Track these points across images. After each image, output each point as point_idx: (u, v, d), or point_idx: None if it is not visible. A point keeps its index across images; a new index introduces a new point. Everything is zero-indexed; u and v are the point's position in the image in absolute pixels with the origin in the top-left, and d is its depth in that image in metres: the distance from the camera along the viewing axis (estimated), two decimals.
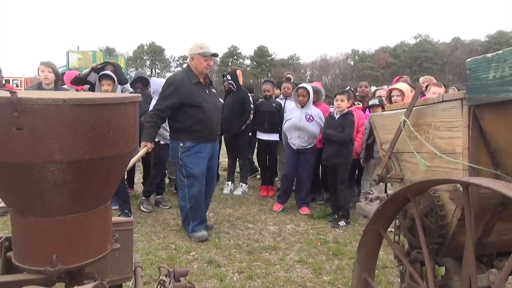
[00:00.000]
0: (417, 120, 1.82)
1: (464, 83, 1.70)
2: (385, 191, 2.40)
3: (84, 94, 1.58)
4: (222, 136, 6.15)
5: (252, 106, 5.77)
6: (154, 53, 70.70)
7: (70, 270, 1.34)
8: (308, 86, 5.07)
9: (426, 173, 1.77)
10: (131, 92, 5.12)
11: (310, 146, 5.02)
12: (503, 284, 1.31)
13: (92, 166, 1.25)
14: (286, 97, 5.92)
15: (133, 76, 6.72)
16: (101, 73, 4.74)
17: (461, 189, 1.45)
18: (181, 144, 3.91)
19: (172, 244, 3.90)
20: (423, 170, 1.77)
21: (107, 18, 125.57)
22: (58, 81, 4.63)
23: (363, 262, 1.98)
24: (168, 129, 4.24)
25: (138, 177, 6.19)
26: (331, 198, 5.13)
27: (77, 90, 5.57)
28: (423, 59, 65.76)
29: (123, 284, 1.94)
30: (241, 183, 6.06)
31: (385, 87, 6.03)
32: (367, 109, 5.22)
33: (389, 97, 4.53)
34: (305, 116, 4.92)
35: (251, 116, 5.72)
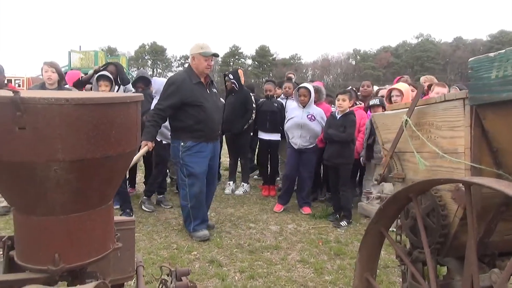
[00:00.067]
0: (419, 120, 1.82)
1: (466, 83, 1.70)
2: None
3: (86, 94, 1.58)
4: (224, 136, 6.16)
5: (254, 105, 5.77)
6: (156, 53, 70.75)
7: (72, 269, 1.34)
8: (309, 86, 5.07)
9: (428, 172, 1.77)
10: (133, 92, 5.14)
11: (311, 146, 5.02)
12: (505, 284, 1.31)
13: (95, 165, 1.25)
14: (287, 96, 5.92)
15: (134, 76, 6.74)
16: (99, 73, 4.77)
17: (463, 188, 1.45)
18: (182, 144, 3.92)
19: (173, 243, 3.90)
20: (425, 170, 1.77)
21: (109, 18, 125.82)
22: (62, 81, 4.65)
23: (364, 261, 1.98)
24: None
25: (140, 176, 6.19)
26: (332, 198, 5.13)
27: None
28: (425, 59, 65.63)
29: (125, 283, 1.95)
30: (242, 183, 6.06)
31: (387, 86, 6.02)
32: (369, 108, 5.22)
33: (389, 97, 4.53)
34: (307, 116, 4.92)
35: (253, 115, 5.72)
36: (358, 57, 73.14)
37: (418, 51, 67.52)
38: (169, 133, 4.29)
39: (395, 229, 2.03)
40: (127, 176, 5.42)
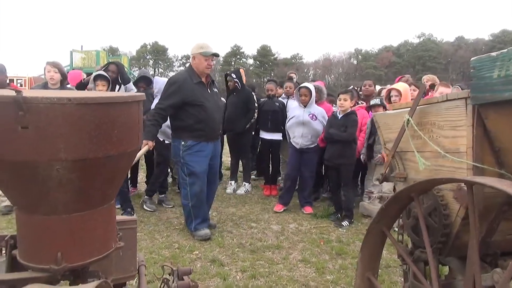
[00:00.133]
0: (421, 119, 1.82)
1: (468, 82, 1.70)
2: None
3: (88, 93, 1.59)
4: (225, 136, 6.16)
5: (256, 105, 5.78)
6: (157, 53, 70.81)
7: (74, 268, 1.35)
8: (310, 85, 5.06)
9: (430, 172, 1.77)
10: (134, 91, 5.14)
11: (313, 145, 5.01)
12: (507, 284, 1.31)
13: (97, 164, 1.25)
14: (288, 96, 5.92)
15: (136, 75, 6.74)
16: (96, 73, 4.79)
17: (465, 188, 1.45)
18: (183, 143, 3.94)
19: (175, 243, 3.91)
20: (427, 169, 1.77)
21: (110, 18, 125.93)
22: (64, 81, 4.66)
23: (366, 261, 1.98)
24: None
25: (142, 176, 6.20)
26: (333, 197, 5.12)
27: None
28: (427, 58, 65.52)
29: (127, 282, 1.95)
30: (244, 182, 6.07)
31: (389, 86, 6.01)
32: (370, 108, 5.22)
33: (388, 97, 4.53)
34: (308, 115, 4.91)
35: (255, 115, 5.73)
36: (360, 56, 73.05)
37: (420, 51, 67.39)
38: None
39: (397, 229, 2.03)
40: (129, 176, 5.43)
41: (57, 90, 4.38)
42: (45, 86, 4.63)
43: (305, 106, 4.96)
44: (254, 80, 56.03)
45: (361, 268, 1.99)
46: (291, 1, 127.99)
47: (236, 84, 5.70)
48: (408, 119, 1.83)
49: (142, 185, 5.94)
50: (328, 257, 3.70)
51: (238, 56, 72.14)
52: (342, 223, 4.58)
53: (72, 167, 1.21)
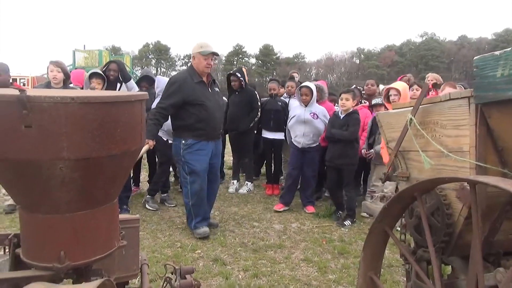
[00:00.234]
0: (424, 119, 1.81)
1: (471, 82, 1.69)
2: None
3: (91, 93, 1.59)
4: (227, 135, 6.16)
5: (259, 103, 5.79)
6: (160, 52, 70.90)
7: (77, 266, 1.35)
8: (311, 85, 5.06)
9: (433, 171, 1.77)
10: (137, 90, 5.16)
11: (315, 144, 5.01)
12: (510, 283, 1.30)
13: (100, 163, 1.26)
14: (290, 95, 5.91)
15: (138, 75, 6.74)
16: (91, 71, 4.82)
17: (468, 187, 1.45)
18: (183, 141, 3.96)
19: (177, 242, 3.91)
20: (429, 169, 1.76)
21: (113, 18, 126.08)
22: (67, 80, 4.67)
23: (369, 260, 1.98)
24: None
25: (144, 175, 6.21)
26: (332, 197, 5.10)
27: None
28: (429, 58, 65.35)
29: (129, 281, 1.96)
30: (246, 182, 6.07)
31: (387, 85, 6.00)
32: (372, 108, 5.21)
33: (386, 96, 4.52)
34: (309, 114, 4.91)
35: (259, 113, 5.74)
36: (362, 56, 72.94)
37: (422, 50, 67.23)
38: None
39: (399, 228, 2.02)
40: (131, 175, 5.44)
41: (60, 89, 4.40)
42: (48, 85, 4.65)
43: (306, 106, 4.95)
44: (256, 80, 56.02)
45: (364, 267, 1.99)
46: (294, 0, 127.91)
47: (242, 82, 5.70)
48: (411, 118, 1.83)
49: (144, 184, 5.95)
50: (330, 256, 3.70)
51: (241, 56, 72.15)
52: (344, 222, 4.57)
53: (75, 166, 1.21)
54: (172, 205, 5.12)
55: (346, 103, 4.64)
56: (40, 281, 1.27)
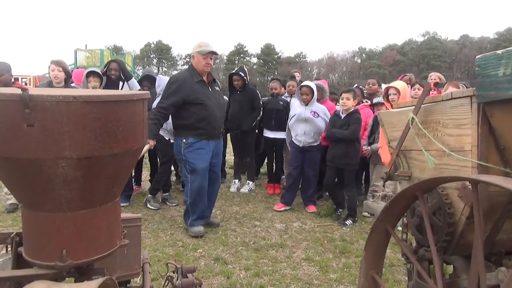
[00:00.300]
0: (426, 118, 1.81)
1: (472, 81, 1.69)
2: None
3: (93, 92, 1.59)
4: (228, 134, 6.16)
5: (261, 103, 5.79)
6: (161, 52, 70.92)
7: (79, 265, 1.36)
8: (311, 84, 5.05)
9: (435, 170, 1.76)
10: (138, 88, 5.17)
11: (316, 143, 5.00)
12: None
13: (102, 162, 1.26)
14: (291, 95, 5.91)
15: (140, 74, 6.73)
16: (88, 70, 4.84)
17: (470, 186, 1.44)
18: (184, 140, 3.98)
19: (179, 241, 3.92)
20: (431, 168, 1.76)
21: (114, 17, 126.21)
22: (68, 80, 4.69)
23: (370, 259, 1.98)
24: None
25: (146, 174, 6.22)
26: (331, 196, 5.09)
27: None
28: (431, 57, 65.19)
29: (131, 279, 1.96)
30: (248, 181, 6.07)
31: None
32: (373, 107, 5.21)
33: (386, 95, 4.52)
34: (310, 112, 4.91)
35: (261, 112, 5.74)
36: (364, 55, 72.83)
37: (424, 49, 67.06)
38: None
39: (400, 228, 2.02)
40: (133, 174, 5.45)
41: (62, 88, 4.41)
42: (49, 84, 4.67)
43: (306, 105, 4.95)
44: (258, 79, 56.01)
45: (365, 266, 1.99)
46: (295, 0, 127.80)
47: (245, 81, 5.71)
48: (412, 118, 1.82)
49: (146, 183, 5.96)
50: (331, 255, 3.70)
51: (242, 55, 72.11)
52: (346, 222, 4.57)
53: (77, 165, 1.22)
54: (174, 204, 5.13)
55: (346, 102, 4.63)
56: (42, 280, 1.27)
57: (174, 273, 1.97)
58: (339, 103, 5.31)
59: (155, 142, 3.99)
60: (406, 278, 2.33)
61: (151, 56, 71.78)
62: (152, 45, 71.82)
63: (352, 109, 4.67)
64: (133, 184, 5.45)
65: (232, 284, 3.06)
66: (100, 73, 4.75)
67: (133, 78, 5.31)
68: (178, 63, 72.97)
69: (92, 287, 1.16)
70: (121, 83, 5.10)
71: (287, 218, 4.76)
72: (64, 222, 1.31)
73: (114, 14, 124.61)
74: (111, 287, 1.30)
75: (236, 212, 4.94)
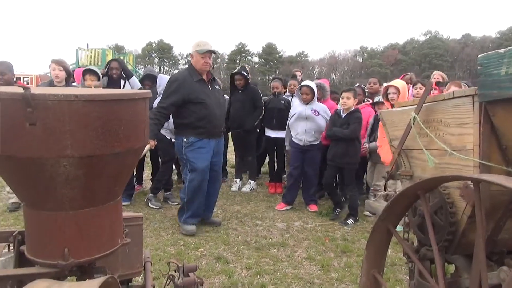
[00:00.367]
0: (427, 117, 1.81)
1: (474, 80, 1.69)
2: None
3: (95, 91, 1.59)
4: (229, 133, 6.16)
5: (263, 102, 5.79)
6: (163, 51, 70.94)
7: (81, 264, 1.36)
8: (312, 84, 5.04)
9: (436, 170, 1.76)
10: (140, 89, 5.17)
11: (316, 142, 5.00)
12: None
13: (104, 161, 1.26)
14: (292, 94, 5.91)
15: (141, 73, 6.75)
16: (85, 68, 4.85)
17: (472, 186, 1.44)
18: (185, 139, 3.99)
19: (180, 240, 3.92)
20: (433, 167, 1.76)
21: (116, 16, 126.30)
22: (69, 78, 4.69)
23: (372, 258, 1.98)
24: None
25: (147, 173, 6.23)
26: (330, 195, 5.07)
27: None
28: (433, 56, 65.05)
29: (132, 278, 1.97)
30: (249, 180, 6.07)
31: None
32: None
33: (385, 94, 4.51)
34: (311, 111, 4.91)
35: (263, 111, 5.74)
36: (365, 54, 72.72)
37: (426, 48, 66.91)
38: None
39: (402, 226, 2.02)
40: (135, 173, 5.46)
41: (63, 87, 4.41)
42: (50, 83, 4.67)
43: (307, 104, 4.95)
44: (259, 78, 55.99)
45: (367, 265, 1.98)
46: None
47: (248, 80, 5.71)
48: (414, 117, 1.82)
49: (147, 183, 5.97)
50: (333, 255, 3.70)
51: (243, 54, 72.08)
52: (347, 221, 4.57)
53: (79, 164, 1.22)
54: (175, 203, 5.13)
55: (347, 101, 4.62)
56: (44, 278, 1.28)
57: (175, 272, 1.98)
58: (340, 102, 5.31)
59: (155, 143, 4.01)
60: (408, 278, 2.33)
61: (153, 55, 71.82)
62: (154, 45, 71.87)
63: (353, 108, 4.67)
64: (135, 183, 5.45)
65: (233, 283, 3.06)
66: (96, 70, 4.75)
67: (134, 76, 5.33)
68: (179, 62, 73.00)
69: (94, 286, 1.16)
70: (122, 82, 5.11)
71: (288, 217, 4.76)
72: (66, 221, 1.31)
73: (115, 14, 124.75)
74: (113, 286, 1.30)
75: (237, 211, 4.95)
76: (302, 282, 3.13)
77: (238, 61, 67.57)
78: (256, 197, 5.61)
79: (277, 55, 71.57)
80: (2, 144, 1.18)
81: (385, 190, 2.41)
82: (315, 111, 4.92)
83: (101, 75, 4.82)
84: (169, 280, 1.94)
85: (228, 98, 5.87)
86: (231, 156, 7.19)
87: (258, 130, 6.06)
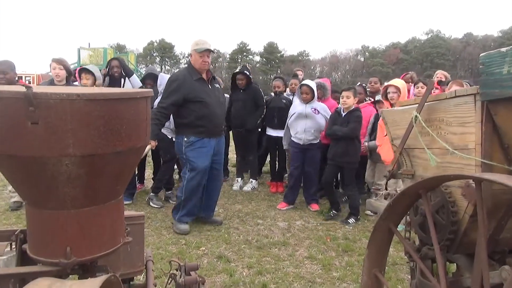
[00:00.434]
0: (429, 116, 1.80)
1: (476, 79, 1.68)
2: None
3: (97, 89, 1.60)
4: (230, 132, 6.16)
5: (264, 101, 5.80)
6: (164, 50, 70.99)
7: (83, 262, 1.36)
8: (311, 83, 5.04)
9: (438, 169, 1.76)
10: (140, 87, 5.18)
11: (316, 141, 4.99)
12: None
13: (106, 160, 1.26)
14: (293, 93, 5.90)
15: (143, 72, 6.76)
16: (81, 67, 4.87)
17: (474, 185, 1.44)
18: (185, 139, 3.99)
19: (182, 239, 3.93)
20: (434, 166, 1.75)
21: (117, 16, 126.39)
22: (70, 77, 4.70)
23: (373, 257, 1.98)
24: None
25: (149, 172, 6.24)
26: (327, 193, 5.07)
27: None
28: (435, 55, 64.95)
29: (134, 277, 1.97)
30: (250, 179, 6.07)
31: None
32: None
33: (385, 93, 4.50)
34: (311, 109, 4.91)
35: (265, 111, 5.75)
36: (367, 53, 72.65)
37: (427, 48, 66.81)
38: None
39: (404, 225, 2.02)
40: (136, 172, 5.47)
41: (64, 86, 4.42)
42: (51, 82, 4.69)
43: (307, 103, 4.95)
44: (261, 78, 55.98)
45: (368, 264, 1.98)
46: None
47: (250, 80, 5.72)
48: (416, 116, 1.82)
49: (149, 182, 5.97)
50: (334, 254, 3.70)
51: (245, 53, 72.08)
52: (349, 220, 4.57)
53: (81, 163, 1.22)
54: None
55: (347, 101, 4.61)
56: (46, 277, 1.28)
57: (177, 270, 1.98)
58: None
59: (156, 143, 4.02)
60: (409, 277, 2.33)
61: (154, 54, 71.89)
62: (155, 44, 71.94)
63: (353, 107, 4.66)
64: (136, 183, 5.46)
65: (235, 282, 3.07)
66: (91, 69, 4.75)
67: (134, 74, 5.33)
68: (181, 61, 73.07)
69: (96, 284, 1.16)
70: (122, 80, 5.12)
71: (290, 216, 4.76)
72: (68, 220, 1.31)
73: (117, 13, 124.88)
74: (114, 284, 1.30)
75: (239, 210, 4.95)
76: (303, 281, 3.14)
77: (239, 60, 67.60)
78: (257, 196, 5.62)
79: (279, 54, 71.55)
80: (4, 143, 1.18)
81: (385, 189, 2.41)
82: (315, 109, 4.92)
83: (101, 74, 4.84)
84: (170, 278, 1.94)
85: (228, 96, 5.87)
86: (233, 156, 7.20)
87: (259, 130, 6.06)
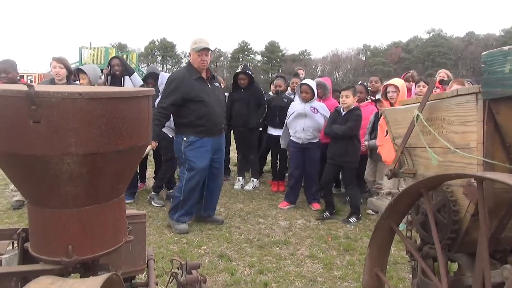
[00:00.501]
0: (431, 115, 1.80)
1: (478, 78, 1.68)
2: None
3: (99, 88, 1.60)
4: (231, 131, 6.16)
5: (265, 100, 5.80)
6: (165, 49, 71.03)
7: (85, 261, 1.37)
8: (311, 82, 5.03)
9: (440, 168, 1.76)
10: (142, 86, 5.18)
11: (315, 140, 4.99)
12: None
13: (107, 158, 1.26)
14: (294, 92, 5.90)
15: (145, 72, 6.77)
16: (77, 67, 4.89)
17: (475, 184, 1.44)
18: (185, 138, 3.98)
19: (183, 238, 3.93)
20: (436, 165, 1.75)
21: (119, 15, 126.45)
22: (70, 76, 4.71)
23: (374, 257, 1.98)
24: None
25: (150, 171, 6.24)
26: (324, 194, 5.05)
27: None
28: (436, 54, 64.82)
29: (136, 276, 1.97)
30: (252, 178, 6.07)
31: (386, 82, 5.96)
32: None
33: (385, 93, 4.49)
34: (309, 108, 4.90)
35: (266, 110, 5.75)
36: (369, 52, 72.56)
37: (429, 47, 66.68)
38: None
39: (405, 224, 2.02)
40: (137, 171, 5.47)
41: (65, 85, 4.43)
42: (52, 81, 4.69)
43: (306, 103, 4.94)
44: (262, 77, 55.96)
45: (369, 264, 1.98)
46: None
47: (252, 79, 5.73)
48: (417, 115, 1.82)
49: (150, 181, 5.98)
50: (335, 253, 3.70)
51: (246, 52, 72.05)
52: (350, 219, 4.56)
53: (82, 161, 1.22)
54: None
55: (346, 100, 4.60)
56: (48, 275, 1.28)
57: (178, 269, 1.98)
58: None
59: (157, 144, 4.02)
60: (411, 276, 2.32)
61: (156, 53, 71.95)
62: (157, 43, 71.98)
63: (353, 106, 4.66)
64: (138, 181, 5.47)
65: (236, 281, 3.07)
66: (84, 70, 4.76)
67: (135, 73, 5.34)
68: (182, 60, 73.04)
69: (97, 283, 1.16)
70: (123, 78, 5.13)
71: (291, 215, 4.76)
72: (69, 218, 1.31)
73: (118, 12, 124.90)
74: (116, 283, 1.31)
75: (240, 209, 4.95)
76: (304, 280, 3.14)
77: (241, 59, 67.62)
78: (258, 195, 5.62)
79: (280, 54, 71.52)
80: (6, 141, 1.18)
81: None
82: (314, 108, 4.91)
83: (98, 74, 4.84)
84: (172, 277, 1.95)
85: (228, 95, 5.87)
86: (234, 155, 7.20)
87: (261, 129, 6.05)
